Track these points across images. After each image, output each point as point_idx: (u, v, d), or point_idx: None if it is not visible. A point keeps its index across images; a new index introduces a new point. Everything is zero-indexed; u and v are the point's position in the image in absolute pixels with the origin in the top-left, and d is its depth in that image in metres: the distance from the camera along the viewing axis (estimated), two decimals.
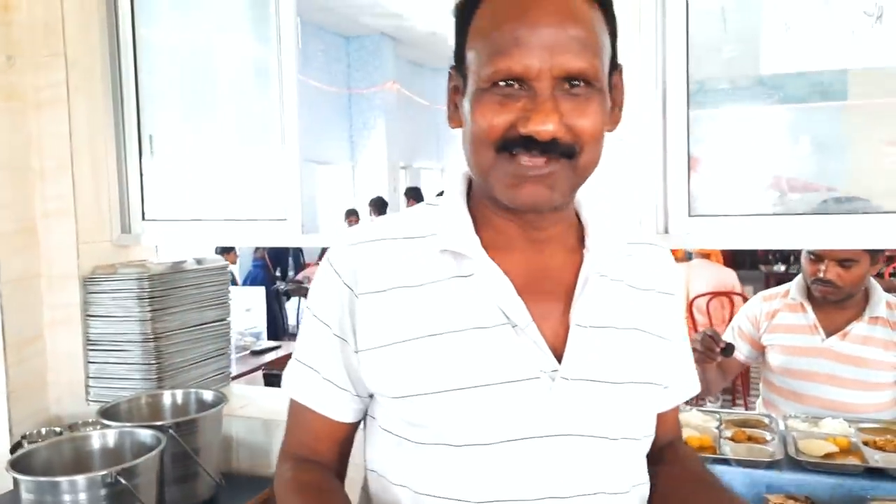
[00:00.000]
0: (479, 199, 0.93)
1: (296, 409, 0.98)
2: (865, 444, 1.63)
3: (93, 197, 2.26)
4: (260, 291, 4.74)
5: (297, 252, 9.77)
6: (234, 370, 3.96)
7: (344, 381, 0.93)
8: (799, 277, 2.24)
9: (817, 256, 2.09)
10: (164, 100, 2.35)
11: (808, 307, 2.17)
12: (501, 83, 0.81)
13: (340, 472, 1.00)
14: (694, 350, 1.96)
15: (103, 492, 1.41)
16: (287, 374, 0.98)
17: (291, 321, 7.52)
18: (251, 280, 7.33)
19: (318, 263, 9.01)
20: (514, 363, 0.85)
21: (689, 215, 1.73)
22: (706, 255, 5.64)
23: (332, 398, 0.95)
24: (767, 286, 7.03)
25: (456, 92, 0.91)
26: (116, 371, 2.14)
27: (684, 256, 6.31)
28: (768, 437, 1.69)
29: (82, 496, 1.40)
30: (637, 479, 0.93)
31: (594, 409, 0.87)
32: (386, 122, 11.79)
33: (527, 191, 0.83)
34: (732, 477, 1.58)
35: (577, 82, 0.81)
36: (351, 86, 11.87)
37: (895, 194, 1.65)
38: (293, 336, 6.61)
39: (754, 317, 2.26)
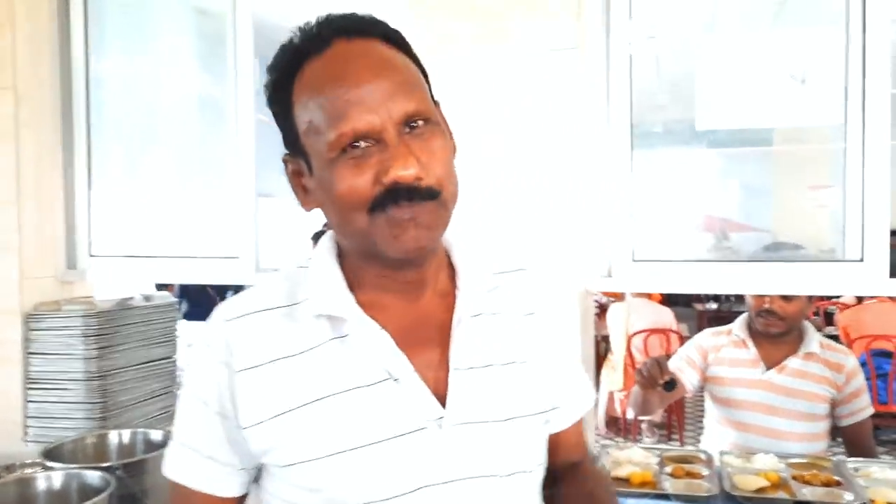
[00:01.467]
0: (350, 259, 0.93)
1: (179, 492, 0.94)
2: (794, 478, 1.73)
3: (37, 232, 2.22)
4: (198, 326, 4.66)
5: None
6: None
7: (227, 456, 0.91)
8: (742, 316, 2.40)
9: None
10: (115, 135, 2.35)
11: (750, 343, 2.32)
12: (348, 147, 0.82)
13: None
14: (640, 374, 2.06)
15: None
16: (168, 458, 0.95)
17: None
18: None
19: None
20: (400, 416, 0.86)
21: (633, 260, 1.82)
22: (646, 294, 5.81)
23: (215, 475, 0.92)
24: (700, 323, 7.31)
25: (298, 175, 0.91)
26: (57, 410, 2.09)
27: (622, 295, 6.49)
28: (705, 472, 1.77)
29: None
30: None
31: (483, 450, 0.88)
32: None
33: (409, 236, 0.83)
34: None
35: (415, 122, 0.83)
36: None
37: (819, 237, 1.78)
38: None
39: (703, 349, 2.39)
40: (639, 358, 5.26)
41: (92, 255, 2.34)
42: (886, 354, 5.03)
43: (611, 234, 1.84)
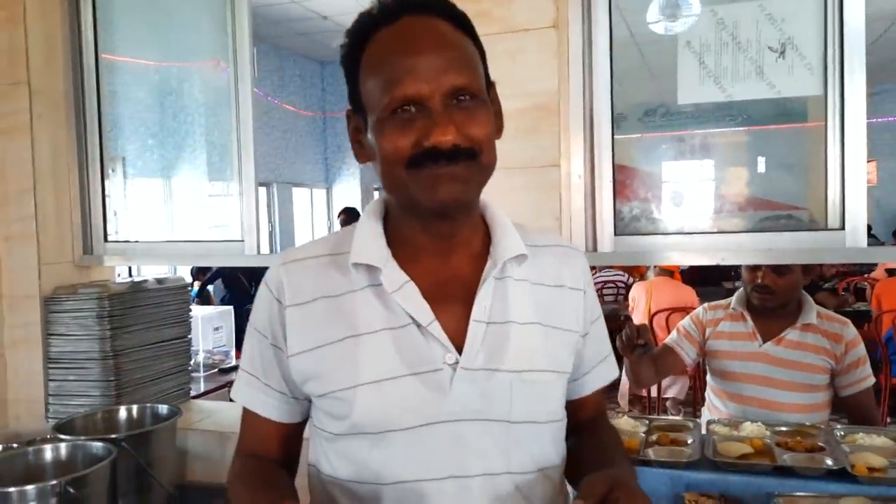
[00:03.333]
0: (394, 219, 1.03)
1: (244, 413, 1.10)
2: (778, 444, 1.74)
3: (55, 220, 2.33)
4: (229, 311, 4.79)
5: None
6: (202, 388, 4.02)
7: (281, 385, 1.05)
8: (740, 290, 2.41)
9: (755, 265, 2.26)
10: (130, 124, 2.44)
11: (748, 316, 2.34)
12: (399, 110, 0.92)
13: (288, 466, 1.11)
14: (619, 339, 2.10)
15: (53, 501, 1.48)
16: (235, 383, 1.10)
17: None
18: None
19: None
20: (419, 358, 0.96)
21: (616, 234, 1.85)
22: (669, 273, 5.79)
23: (271, 401, 1.06)
24: None
25: (357, 131, 1.02)
26: (76, 388, 2.20)
27: (644, 274, 6.47)
28: (689, 439, 1.80)
29: None
30: (545, 461, 1.02)
31: (494, 396, 0.97)
32: None
33: (443, 189, 0.92)
34: (655, 477, 1.68)
35: (463, 96, 0.93)
36: (326, 109, 12.00)
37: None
38: None
39: (700, 323, 2.41)
40: (662, 337, 5.25)
41: (107, 241, 2.45)
42: None
43: (597, 210, 1.87)
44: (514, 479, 0.98)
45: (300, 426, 1.11)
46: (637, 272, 7.02)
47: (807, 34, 1.69)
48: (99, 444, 1.69)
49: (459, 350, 0.96)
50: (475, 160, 0.94)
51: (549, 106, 1.79)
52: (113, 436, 1.78)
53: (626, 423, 1.91)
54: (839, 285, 6.48)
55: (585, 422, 1.15)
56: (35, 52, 2.28)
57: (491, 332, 0.98)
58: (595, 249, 1.87)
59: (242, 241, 2.27)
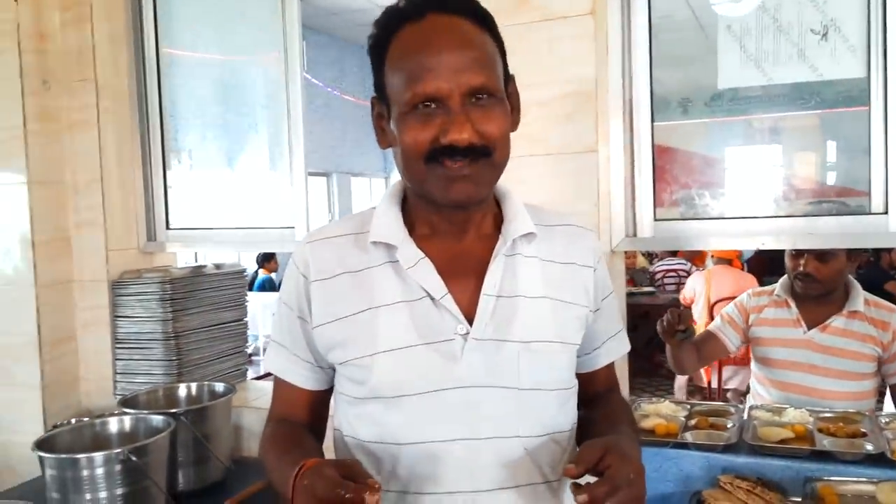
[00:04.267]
0: (412, 201, 1.11)
1: (275, 381, 1.19)
2: (820, 430, 1.73)
3: (121, 208, 2.47)
4: None
5: None
6: (262, 370, 4.17)
7: (307, 354, 1.13)
8: (784, 277, 2.37)
9: (798, 252, 2.23)
10: (189, 116, 2.56)
11: (792, 303, 2.31)
12: (420, 105, 0.98)
13: (316, 430, 1.19)
14: (659, 324, 2.11)
15: (117, 468, 1.60)
16: (266, 353, 1.20)
17: None
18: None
19: None
20: (433, 328, 1.03)
21: (655, 219, 1.86)
22: (727, 262, 5.69)
23: (298, 369, 1.15)
24: None
25: (381, 118, 1.08)
26: (141, 367, 2.34)
27: (703, 263, 6.36)
28: (729, 424, 1.80)
29: (98, 471, 1.59)
30: (553, 426, 1.07)
31: (502, 364, 1.02)
32: None
33: (457, 189, 1.00)
34: (692, 460, 1.70)
35: (481, 95, 0.98)
36: None
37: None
38: None
39: (744, 309, 2.39)
40: None
41: (169, 228, 2.58)
42: None
43: (636, 195, 1.88)
44: (523, 442, 1.03)
45: (326, 394, 1.18)
46: (699, 261, 6.90)
47: (850, 16, 1.66)
48: (159, 418, 1.80)
49: (470, 322, 1.02)
50: (489, 158, 1.00)
51: (587, 92, 1.81)
52: (172, 410, 1.89)
53: (666, 408, 1.92)
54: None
55: (597, 394, 1.20)
56: (101, 49, 2.41)
57: (500, 305, 1.04)
58: (635, 234, 1.88)
59: (293, 227, 2.36)
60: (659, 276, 7.42)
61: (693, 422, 1.83)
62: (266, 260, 8.52)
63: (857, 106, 1.69)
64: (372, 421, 1.06)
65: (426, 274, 1.04)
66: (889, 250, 6.74)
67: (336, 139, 10.90)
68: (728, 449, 1.69)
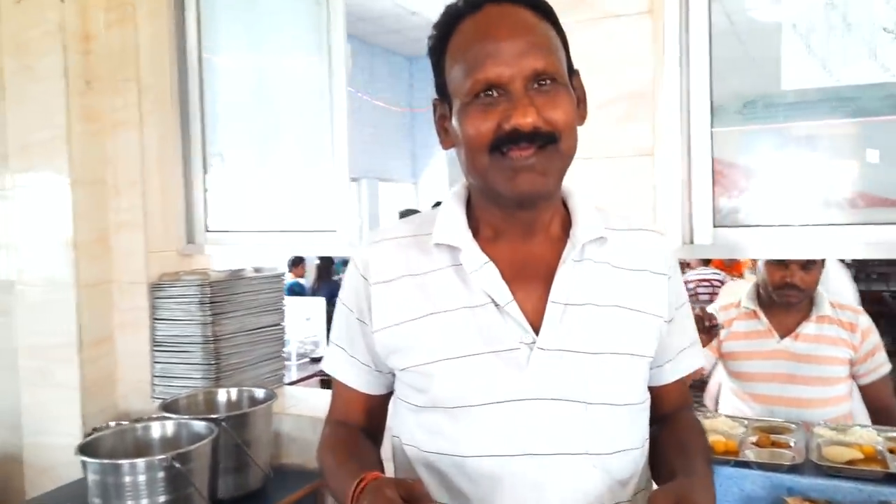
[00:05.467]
0: (475, 202, 1.06)
1: (334, 383, 1.16)
2: (891, 451, 1.65)
3: (161, 210, 2.45)
4: (320, 302, 4.92)
5: None
6: (295, 376, 4.15)
7: (366, 358, 1.09)
8: (749, 287, 2.35)
9: (782, 262, 2.18)
10: (228, 120, 2.53)
11: (761, 313, 2.28)
12: (481, 94, 0.94)
13: (374, 435, 1.15)
14: None
15: (160, 474, 1.56)
16: (325, 354, 1.17)
17: None
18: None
19: None
20: (497, 336, 0.97)
21: (714, 226, 1.79)
22: None
23: (357, 373, 1.11)
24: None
25: (443, 118, 1.04)
26: (179, 370, 2.31)
27: (742, 273, 6.22)
28: (792, 442, 1.72)
29: (141, 478, 1.55)
30: (623, 444, 1.01)
31: (570, 376, 0.97)
32: None
33: (523, 180, 0.95)
34: (754, 480, 1.62)
35: (544, 80, 0.94)
36: (414, 105, 12.13)
37: None
38: None
39: None
40: None
41: (208, 231, 2.55)
42: None
43: (693, 201, 1.81)
44: (591, 459, 0.97)
45: (385, 398, 1.15)
46: (735, 271, 6.76)
47: None
48: (202, 423, 1.77)
49: (537, 330, 0.97)
50: (555, 146, 0.95)
51: (644, 94, 1.75)
52: (214, 416, 1.85)
53: (723, 424, 1.84)
54: None
55: (668, 413, 1.13)
56: (144, 50, 2.39)
57: (568, 314, 0.99)
58: (692, 241, 1.81)
59: (335, 231, 2.33)
60: (692, 285, 7.28)
61: (753, 439, 1.75)
62: (295, 264, 8.53)
63: None
64: (433, 431, 1.01)
65: (491, 279, 0.99)
66: None
67: (365, 144, 10.91)
68: (793, 469, 1.61)
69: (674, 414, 1.13)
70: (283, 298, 2.57)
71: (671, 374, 1.12)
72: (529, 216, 1.01)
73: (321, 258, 7.87)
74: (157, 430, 1.79)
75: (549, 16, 1.00)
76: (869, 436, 1.75)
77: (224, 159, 2.56)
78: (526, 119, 0.92)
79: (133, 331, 2.39)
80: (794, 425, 1.86)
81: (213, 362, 2.26)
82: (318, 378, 3.89)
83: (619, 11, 1.74)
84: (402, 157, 11.99)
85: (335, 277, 9.15)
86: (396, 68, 11.78)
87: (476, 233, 1.03)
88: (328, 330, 5.23)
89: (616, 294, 1.02)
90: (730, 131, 1.81)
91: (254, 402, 2.05)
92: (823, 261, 2.23)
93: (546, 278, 1.00)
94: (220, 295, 2.31)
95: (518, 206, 1.00)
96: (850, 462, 1.61)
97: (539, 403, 0.96)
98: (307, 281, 8.24)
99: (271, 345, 2.49)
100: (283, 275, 2.63)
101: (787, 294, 2.20)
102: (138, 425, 1.79)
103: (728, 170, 1.82)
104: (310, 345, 4.61)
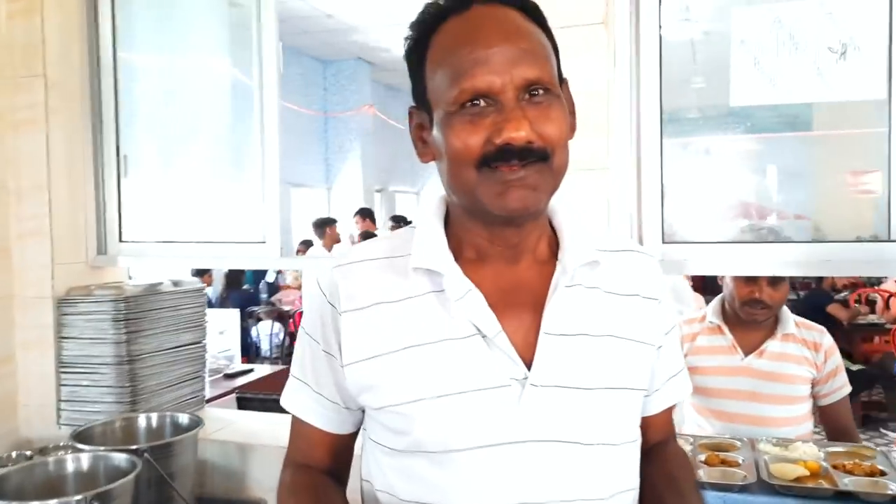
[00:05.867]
0: (456, 220, 0.97)
1: (294, 421, 1.04)
2: (835, 467, 1.66)
3: (69, 218, 2.25)
4: (234, 314, 4.70)
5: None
6: (208, 393, 3.92)
7: (333, 394, 0.98)
8: (715, 301, 2.32)
9: (751, 278, 2.16)
10: (143, 122, 2.36)
11: (726, 329, 2.25)
12: (468, 104, 0.86)
13: (340, 477, 1.05)
14: None
15: None
16: (285, 389, 1.05)
17: (264, 345, 7.45)
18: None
19: (289, 286, 8.94)
20: (485, 372, 0.88)
21: (663, 242, 1.77)
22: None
23: (322, 410, 1.01)
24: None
25: (421, 128, 0.96)
26: (89, 394, 2.11)
27: None
28: (741, 460, 1.72)
29: None
30: (620, 485, 0.94)
31: (565, 415, 0.89)
32: (362, 145, 11.84)
33: (513, 196, 0.86)
34: (707, 499, 1.60)
35: (536, 90, 0.87)
36: (327, 109, 11.92)
37: (861, 225, 1.71)
38: (265, 359, 6.53)
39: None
40: None
41: (122, 241, 2.36)
42: None
43: (643, 217, 1.79)
44: None
45: (353, 437, 1.05)
46: None
47: (870, 35, 1.61)
48: (122, 456, 1.60)
49: (528, 364, 0.89)
50: (547, 163, 0.87)
51: (597, 106, 1.71)
52: (134, 446, 1.68)
53: None
54: (850, 297, 6.42)
55: (655, 445, 1.06)
56: (51, 43, 2.19)
57: (562, 346, 0.90)
58: None
59: (264, 242, 2.19)
60: None
61: (702, 458, 1.74)
62: (200, 273, 8.18)
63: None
64: (413, 477, 0.91)
65: (477, 307, 0.90)
66: None
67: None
68: (744, 489, 1.60)
69: (660, 446, 1.07)
70: (205, 314, 2.39)
71: (659, 403, 1.06)
72: (516, 236, 0.93)
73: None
74: (70, 464, 1.60)
75: (540, 19, 0.93)
76: (811, 451, 1.77)
77: (141, 165, 2.38)
78: (519, 133, 0.84)
79: (37, 350, 2.17)
80: (738, 442, 1.86)
81: (127, 385, 2.07)
82: (236, 396, 3.69)
83: (574, 22, 1.69)
84: (314, 162, 11.75)
85: (244, 287, 8.87)
86: (310, 71, 11.55)
87: (457, 255, 0.94)
88: (243, 343, 4.98)
89: (609, 322, 0.94)
90: (678, 143, 1.81)
91: (177, 428, 1.89)
92: (788, 278, 2.20)
93: (535, 306, 0.92)
94: (136, 311, 2.12)
95: (506, 224, 0.92)
96: (798, 479, 1.62)
97: (533, 446, 0.88)
98: (214, 290, 7.92)
99: (192, 364, 2.32)
100: (203, 288, 2.46)
101: (753, 311, 2.17)
102: (49, 459, 1.60)
103: (676, 184, 1.81)
104: (223, 360, 4.37)
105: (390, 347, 0.91)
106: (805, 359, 2.17)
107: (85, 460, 1.61)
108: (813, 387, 2.18)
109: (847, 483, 1.57)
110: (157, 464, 1.67)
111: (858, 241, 1.65)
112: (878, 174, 1.68)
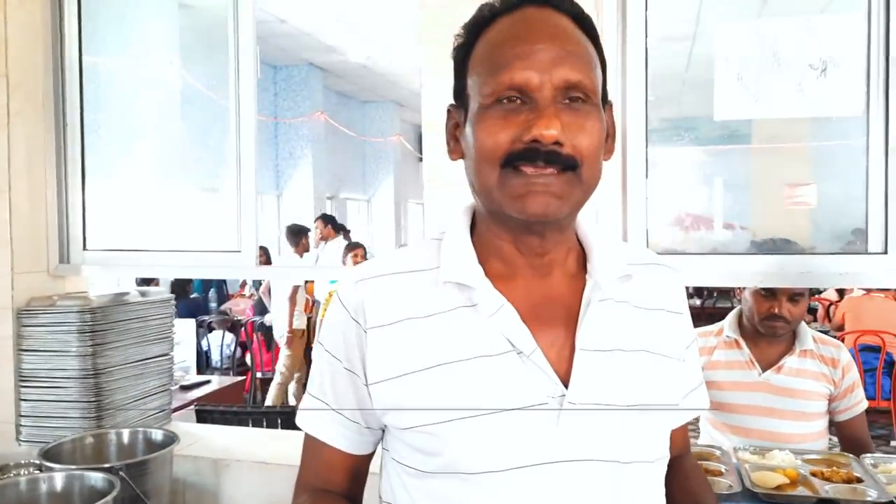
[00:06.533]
0: (483, 230, 0.94)
1: (310, 442, 1.01)
2: (813, 475, 1.70)
3: (29, 224, 2.15)
4: (189, 324, 4.58)
5: (221, 283, 9.48)
6: None
7: (354, 414, 0.95)
8: (732, 315, 2.31)
9: (770, 293, 2.15)
10: (114, 128, 2.28)
11: (743, 343, 2.24)
12: (504, 99, 0.85)
13: (355, 501, 1.01)
14: None
15: None
16: (301, 408, 1.01)
17: (215, 355, 7.26)
18: None
19: (241, 295, 8.75)
20: (522, 390, 0.86)
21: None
22: None
23: (343, 430, 0.97)
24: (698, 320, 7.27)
25: (456, 127, 0.94)
26: (52, 409, 2.02)
27: None
28: (723, 468, 1.74)
29: None
30: (653, 502, 0.93)
31: (603, 434, 0.87)
32: (313, 152, 11.69)
33: (535, 200, 0.84)
34: None
35: (576, 96, 0.85)
36: (278, 115, 11.76)
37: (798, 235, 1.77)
38: (216, 370, 6.36)
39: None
40: None
41: (86, 249, 2.27)
42: (874, 350, 5.04)
43: (628, 226, 1.80)
44: None
45: (370, 458, 1.02)
46: None
47: (849, 52, 1.66)
48: (98, 475, 1.53)
49: (563, 381, 0.87)
50: (575, 172, 0.84)
51: None
52: (108, 465, 1.61)
53: None
54: None
55: (673, 460, 1.04)
56: (14, 42, 2.10)
57: (598, 362, 0.89)
58: None
59: (239, 251, 2.13)
60: None
61: None
62: (146, 282, 7.92)
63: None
64: (443, 500, 0.88)
65: (511, 323, 0.87)
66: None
67: (226, 153, 10.42)
68: (730, 498, 1.62)
69: (678, 461, 1.06)
70: (172, 325, 2.32)
71: (679, 417, 1.05)
72: (539, 245, 0.91)
73: None
74: (43, 484, 1.52)
75: (591, 31, 0.91)
76: (788, 459, 1.80)
77: (107, 171, 2.29)
78: (549, 131, 0.81)
79: None
80: (717, 450, 1.88)
81: (93, 399, 1.99)
82: (195, 408, 3.58)
83: None
84: (264, 168, 11.54)
85: (193, 296, 8.64)
86: (260, 77, 11.39)
87: (485, 268, 0.91)
88: (198, 353, 4.85)
89: (640, 337, 0.93)
90: (662, 153, 1.83)
91: (151, 445, 1.82)
92: (808, 293, 2.17)
93: (567, 321, 0.90)
94: (102, 322, 2.04)
95: (526, 230, 0.89)
96: (779, 487, 1.65)
97: (572, 466, 0.86)
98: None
99: (159, 378, 2.24)
100: (171, 298, 2.38)
101: (773, 325, 2.15)
102: (21, 479, 1.52)
103: (660, 194, 1.83)
104: (179, 371, 4.25)
105: (421, 365, 0.88)
106: (822, 375, 2.16)
107: (59, 480, 1.53)
108: (830, 402, 2.17)
109: (828, 490, 1.60)
110: (132, 482, 1.61)
111: (839, 252, 1.69)
112: (813, 187, 1.73)
